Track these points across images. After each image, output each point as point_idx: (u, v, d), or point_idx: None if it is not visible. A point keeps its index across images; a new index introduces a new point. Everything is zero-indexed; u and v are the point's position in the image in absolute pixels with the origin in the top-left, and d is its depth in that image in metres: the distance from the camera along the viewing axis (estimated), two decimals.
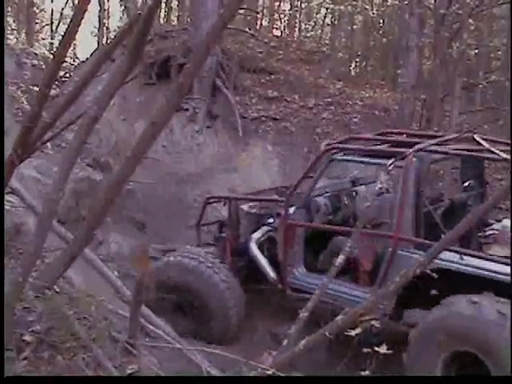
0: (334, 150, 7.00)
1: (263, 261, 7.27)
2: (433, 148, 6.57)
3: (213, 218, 8.91)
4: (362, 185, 8.22)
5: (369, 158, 6.98)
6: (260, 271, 7.32)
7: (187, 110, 13.07)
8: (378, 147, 6.97)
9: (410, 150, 6.36)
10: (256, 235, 7.41)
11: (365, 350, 3.88)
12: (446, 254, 5.49)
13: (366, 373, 3.82)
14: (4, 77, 4.15)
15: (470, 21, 12.87)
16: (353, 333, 3.81)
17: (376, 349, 3.84)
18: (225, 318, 7.09)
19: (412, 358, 5.84)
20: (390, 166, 6.65)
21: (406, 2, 14.53)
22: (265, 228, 7.48)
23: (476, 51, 16.45)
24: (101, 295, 4.70)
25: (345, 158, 7.09)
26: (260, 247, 7.40)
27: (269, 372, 3.73)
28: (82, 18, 3.51)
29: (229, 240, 7.67)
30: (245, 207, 7.66)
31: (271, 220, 7.50)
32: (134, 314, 3.94)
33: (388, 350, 3.74)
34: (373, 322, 3.88)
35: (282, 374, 3.78)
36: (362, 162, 7.29)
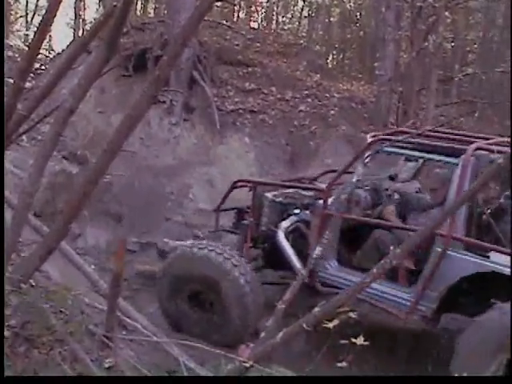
0: (382, 142, 6.71)
1: (290, 251, 6.92)
2: (493, 148, 6.12)
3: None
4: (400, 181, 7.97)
5: (418, 152, 6.73)
6: (282, 262, 7.01)
7: (164, 102, 13.00)
8: (435, 143, 6.56)
9: (470, 147, 6.07)
10: (285, 224, 7.11)
11: (342, 341, 3.89)
12: (500, 258, 5.36)
13: (343, 364, 3.83)
14: (4, 75, 4.09)
15: (447, 14, 12.95)
16: (330, 325, 3.82)
17: (353, 340, 3.85)
18: (243, 314, 6.59)
19: (462, 361, 5.49)
20: (366, 159, 6.67)
21: None
22: (293, 218, 7.20)
23: (452, 44, 16.58)
24: (77, 289, 4.68)
25: (395, 150, 6.78)
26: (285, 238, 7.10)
27: (247, 364, 3.74)
28: (57, 10, 3.48)
29: (250, 228, 7.38)
30: (269, 195, 7.39)
31: (297, 211, 7.25)
32: (111, 308, 3.92)
33: (365, 341, 3.75)
34: (350, 314, 3.89)
35: (260, 367, 3.78)
36: (413, 156, 7.12)
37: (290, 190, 7.64)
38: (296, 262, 6.80)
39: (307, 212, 7.16)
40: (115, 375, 3.75)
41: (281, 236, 7.00)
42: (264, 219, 7.34)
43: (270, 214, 7.34)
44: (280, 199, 7.41)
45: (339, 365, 3.84)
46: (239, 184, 7.87)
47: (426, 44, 12.53)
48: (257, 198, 7.40)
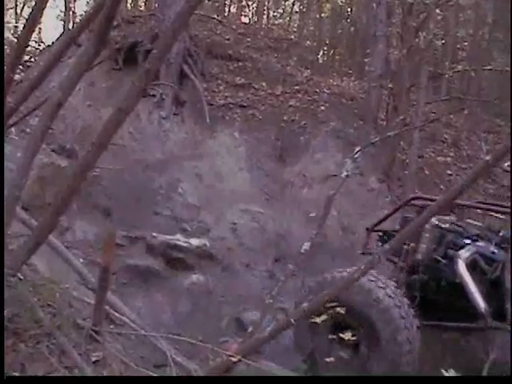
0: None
1: (473, 287, 6.02)
2: None
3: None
4: None
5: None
6: (447, 298, 6.30)
7: (154, 96, 12.97)
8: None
9: None
10: (464, 254, 6.27)
11: (330, 336, 3.90)
12: None
13: (331, 359, 3.85)
14: (4, 73, 4.07)
15: (437, 11, 12.96)
16: (318, 320, 3.83)
17: (341, 335, 3.87)
18: (395, 353, 5.79)
19: None
20: (355, 154, 6.67)
21: None
22: (472, 248, 6.37)
23: (442, 41, 16.60)
24: (66, 282, 4.67)
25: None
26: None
27: (234, 359, 3.74)
28: (47, 1, 3.46)
29: (409, 254, 6.58)
30: (433, 219, 6.56)
31: (468, 241, 6.48)
32: (99, 301, 3.92)
33: (353, 336, 3.77)
34: (338, 309, 3.91)
35: (248, 361, 3.79)
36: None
37: (449, 217, 6.91)
38: (480, 299, 5.96)
39: (490, 246, 6.40)
40: (116, 375, 3.75)
41: (462, 267, 6.17)
42: (422, 246, 6.61)
43: (431, 240, 6.61)
44: (447, 225, 6.71)
45: (327, 360, 3.87)
46: (417, 202, 7.06)
47: (417, 41, 12.54)
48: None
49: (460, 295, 6.09)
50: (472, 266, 6.21)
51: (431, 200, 6.72)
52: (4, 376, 3.30)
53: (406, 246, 6.52)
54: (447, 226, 6.60)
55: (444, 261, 6.49)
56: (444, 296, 6.31)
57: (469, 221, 6.89)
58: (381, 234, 7.22)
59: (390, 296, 5.81)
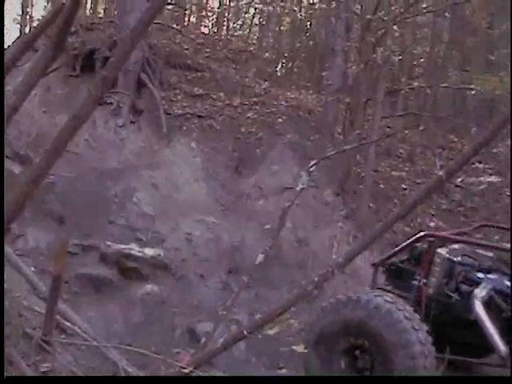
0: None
1: (491, 328, 5.74)
2: None
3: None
4: None
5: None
6: (464, 340, 6.07)
7: (111, 104, 12.87)
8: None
9: None
10: (481, 293, 5.98)
11: (282, 348, 3.90)
12: None
13: (283, 371, 3.85)
14: (4, 76, 3.98)
15: (395, 27, 13.15)
16: (271, 332, 3.83)
17: (294, 347, 3.87)
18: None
19: None
20: (311, 167, 6.68)
21: (334, 6, 14.73)
22: (487, 286, 6.12)
23: (400, 57, 16.85)
24: (16, 291, 4.59)
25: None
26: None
27: (186, 370, 3.72)
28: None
29: (422, 290, 6.27)
30: (443, 251, 6.42)
31: (481, 275, 6.24)
32: (50, 311, 3.86)
33: (305, 349, 3.77)
34: (291, 321, 3.91)
35: (201, 373, 3.77)
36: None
37: (458, 246, 6.70)
38: (499, 342, 5.68)
39: (503, 279, 6.21)
40: (116, 375, 3.69)
41: (479, 308, 5.89)
42: (433, 280, 6.37)
43: (442, 274, 6.37)
44: (459, 259, 6.46)
45: (279, 372, 3.87)
46: (429, 239, 6.69)
47: (374, 56, 12.70)
48: (431, 253, 6.40)
49: (475, 332, 5.89)
50: (488, 303, 6.02)
51: (444, 238, 6.66)
52: (4, 376, 3.24)
53: (416, 282, 6.33)
54: (458, 259, 6.40)
55: (456, 295, 6.30)
56: (457, 332, 6.17)
57: (479, 251, 6.67)
58: (387, 266, 6.99)
59: (407, 318, 5.57)
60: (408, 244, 6.67)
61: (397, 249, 6.84)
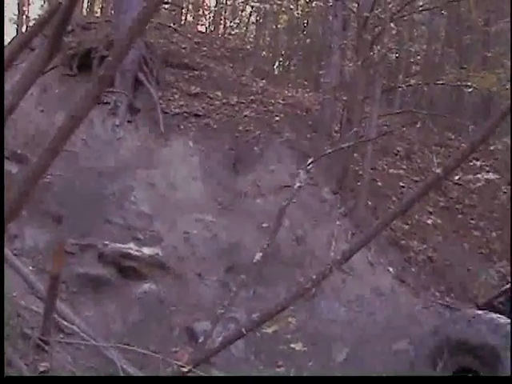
0: None
1: None
2: None
3: None
4: None
5: None
6: None
7: (108, 103, 12.85)
8: None
9: None
10: None
11: (281, 347, 3.91)
12: None
13: (282, 369, 3.85)
14: (4, 78, 3.97)
15: (392, 25, 13.14)
16: (269, 330, 3.83)
17: (292, 345, 3.87)
18: None
19: None
20: (309, 165, 6.70)
21: (330, 4, 14.73)
22: None
23: (396, 55, 16.86)
24: (14, 291, 4.59)
25: None
26: None
27: (185, 369, 3.72)
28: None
29: None
30: None
31: None
32: (48, 310, 3.85)
33: (304, 347, 3.78)
34: (289, 320, 3.91)
35: (199, 372, 3.77)
36: None
37: None
38: None
39: None
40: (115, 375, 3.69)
41: None
42: None
43: None
44: None
45: (278, 370, 3.87)
46: None
47: (371, 54, 12.70)
48: None
49: None
50: None
51: None
52: (4, 376, 3.24)
53: None
54: None
55: None
56: None
57: None
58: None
59: None
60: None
61: (501, 290, 6.78)
